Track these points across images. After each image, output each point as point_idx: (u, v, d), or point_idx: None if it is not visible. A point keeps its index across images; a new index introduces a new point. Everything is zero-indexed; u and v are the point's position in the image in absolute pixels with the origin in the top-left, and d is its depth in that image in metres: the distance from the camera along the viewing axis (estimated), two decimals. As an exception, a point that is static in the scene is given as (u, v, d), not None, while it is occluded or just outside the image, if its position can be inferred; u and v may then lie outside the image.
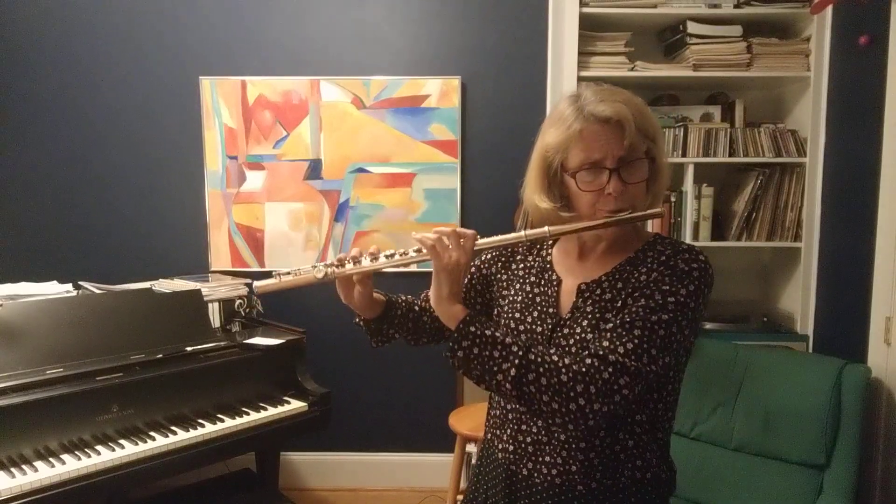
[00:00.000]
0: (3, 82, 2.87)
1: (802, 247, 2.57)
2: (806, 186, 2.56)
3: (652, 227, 2.39)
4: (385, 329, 1.30)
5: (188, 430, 2.00)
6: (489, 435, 1.26)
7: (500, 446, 1.20)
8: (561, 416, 1.00)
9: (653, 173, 1.10)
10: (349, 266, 1.15)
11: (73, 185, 2.92)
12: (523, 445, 1.15)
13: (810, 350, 2.53)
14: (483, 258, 1.32)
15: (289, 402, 2.26)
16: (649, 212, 1.08)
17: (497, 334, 1.03)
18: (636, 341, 0.99)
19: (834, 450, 2.03)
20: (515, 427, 1.17)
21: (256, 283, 1.15)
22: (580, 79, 2.55)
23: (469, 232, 1.09)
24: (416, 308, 1.33)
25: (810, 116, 2.53)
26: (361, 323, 1.30)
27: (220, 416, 2.12)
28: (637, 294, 1.05)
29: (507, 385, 1.01)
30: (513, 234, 1.10)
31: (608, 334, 1.02)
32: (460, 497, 2.46)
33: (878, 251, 2.13)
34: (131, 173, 2.93)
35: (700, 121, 2.68)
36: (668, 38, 2.68)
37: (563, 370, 0.99)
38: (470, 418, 2.46)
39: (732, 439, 2.17)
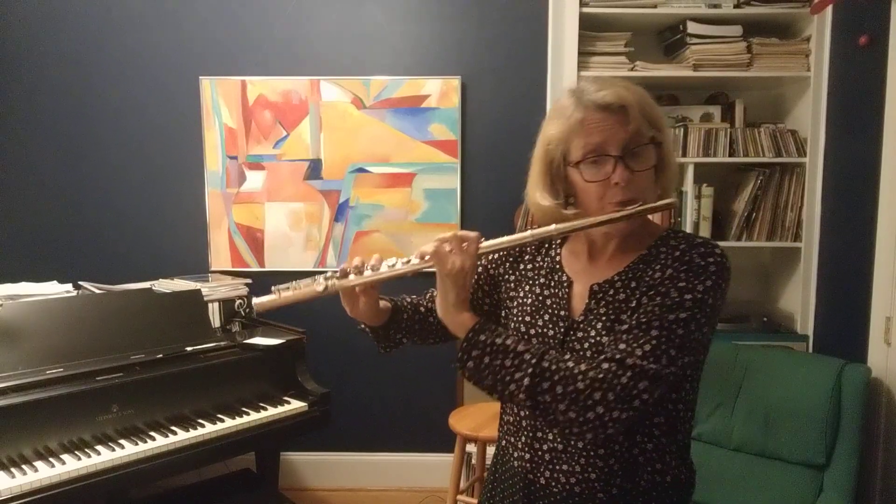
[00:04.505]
0: (3, 82, 2.87)
1: (802, 247, 2.57)
2: (806, 186, 2.56)
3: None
4: (392, 334, 1.24)
5: (188, 430, 2.00)
6: (503, 441, 1.22)
7: (515, 454, 1.17)
8: (578, 425, 0.95)
9: (660, 162, 1.05)
10: (351, 277, 1.08)
11: (73, 185, 2.93)
12: (539, 453, 1.12)
13: (810, 350, 2.53)
14: (490, 258, 1.26)
15: (289, 402, 2.26)
16: (661, 203, 1.03)
17: (508, 342, 1.00)
18: (654, 342, 0.95)
19: (834, 450, 2.03)
20: (531, 434, 1.13)
21: (255, 301, 1.07)
22: (580, 79, 2.55)
23: (472, 234, 1.05)
24: (423, 309, 1.28)
25: (810, 116, 2.53)
26: (367, 330, 1.24)
27: (220, 416, 2.12)
28: (652, 292, 1.00)
29: (521, 395, 0.97)
30: (519, 234, 1.05)
31: (624, 336, 0.98)
32: (460, 497, 2.46)
33: (878, 251, 2.13)
34: (131, 173, 2.93)
35: (700, 121, 2.68)
36: (668, 38, 2.68)
37: (580, 377, 0.95)
38: (470, 418, 2.46)
39: (732, 439, 2.17)
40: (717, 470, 2.16)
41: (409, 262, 1.06)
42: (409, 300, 1.30)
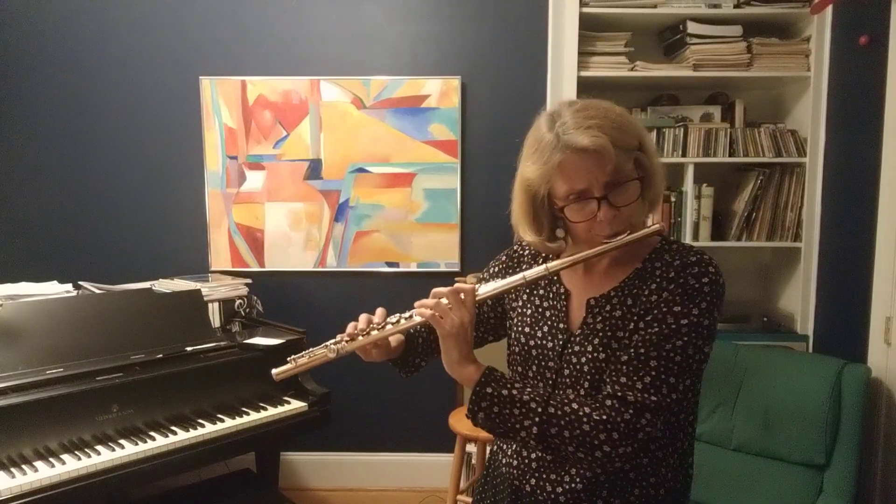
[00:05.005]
0: (3, 83, 2.87)
1: (802, 247, 2.57)
2: (806, 186, 2.56)
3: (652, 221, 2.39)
4: (411, 360, 1.29)
5: (188, 430, 2.00)
6: (495, 446, 1.25)
7: (504, 460, 1.19)
8: (588, 463, 1.01)
9: (645, 183, 1.05)
10: (360, 339, 1.13)
11: (73, 185, 2.92)
12: (527, 461, 1.14)
13: (810, 350, 2.53)
14: (491, 271, 1.28)
15: (289, 402, 2.26)
16: (649, 230, 1.04)
17: (514, 392, 1.02)
18: (653, 374, 0.98)
19: (834, 450, 2.03)
20: None
21: (274, 371, 1.15)
22: (580, 79, 2.55)
23: (467, 287, 1.07)
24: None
25: (810, 116, 2.53)
26: (389, 362, 1.28)
27: (220, 416, 2.12)
28: (649, 318, 1.02)
29: (532, 441, 1.01)
30: (513, 278, 1.08)
31: (624, 368, 1.00)
32: (460, 497, 2.46)
33: (878, 251, 2.13)
34: (131, 173, 2.93)
35: (700, 121, 2.68)
36: (668, 38, 2.68)
37: (585, 420, 0.98)
38: (470, 418, 2.45)
39: (732, 439, 2.17)
40: (717, 470, 2.16)
41: (411, 317, 1.10)
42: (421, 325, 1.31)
